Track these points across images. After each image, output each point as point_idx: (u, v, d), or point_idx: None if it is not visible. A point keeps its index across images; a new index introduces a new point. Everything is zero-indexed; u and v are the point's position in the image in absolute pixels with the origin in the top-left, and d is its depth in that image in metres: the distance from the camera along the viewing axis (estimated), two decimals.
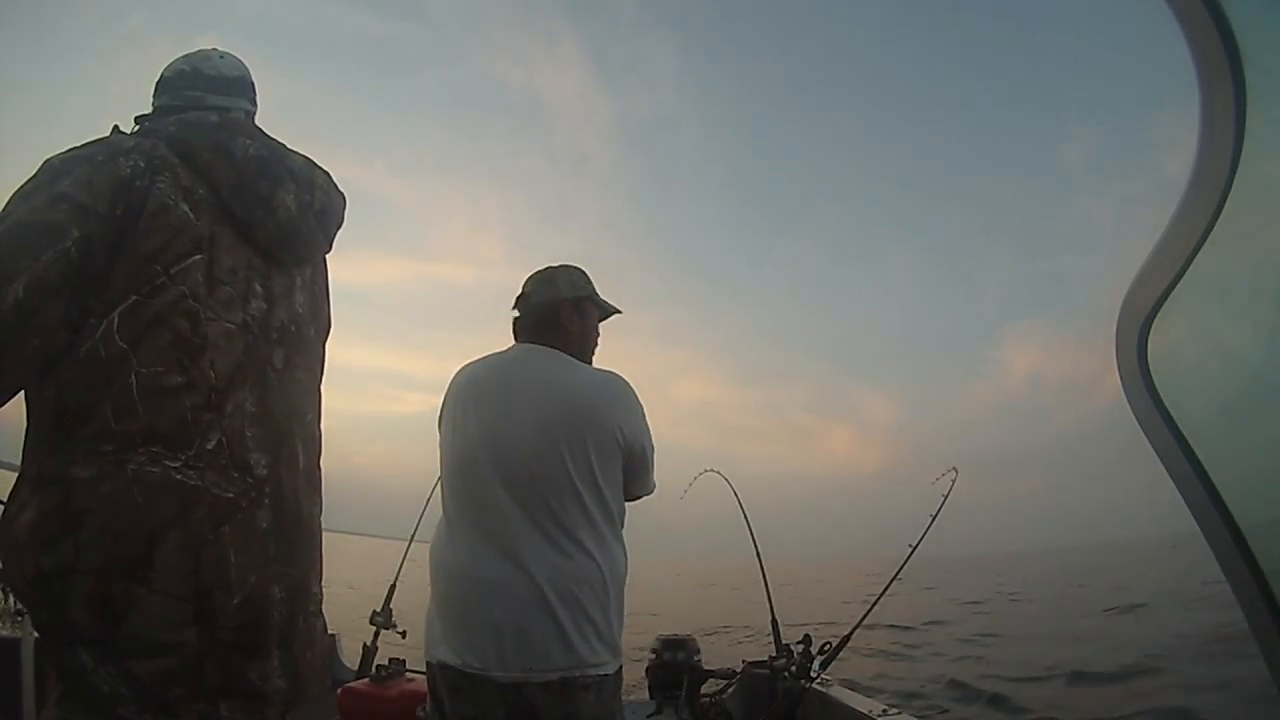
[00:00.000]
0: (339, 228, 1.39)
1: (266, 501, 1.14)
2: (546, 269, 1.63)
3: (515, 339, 1.59)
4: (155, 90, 1.31)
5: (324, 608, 1.30)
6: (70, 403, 1.03)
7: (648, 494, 1.58)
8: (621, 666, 1.41)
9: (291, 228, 1.23)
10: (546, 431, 1.38)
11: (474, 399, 1.48)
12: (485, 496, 1.37)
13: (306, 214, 1.26)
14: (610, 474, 1.43)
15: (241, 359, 1.14)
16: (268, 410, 1.17)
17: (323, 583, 1.31)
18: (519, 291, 1.61)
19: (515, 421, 1.40)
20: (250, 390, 1.15)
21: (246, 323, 1.16)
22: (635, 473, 1.50)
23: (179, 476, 1.04)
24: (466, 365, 1.57)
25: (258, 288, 1.20)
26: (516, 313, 1.59)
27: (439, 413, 1.55)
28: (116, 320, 1.04)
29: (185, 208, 1.11)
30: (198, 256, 1.11)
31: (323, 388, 1.37)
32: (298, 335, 1.27)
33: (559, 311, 1.56)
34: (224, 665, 1.08)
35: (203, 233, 1.13)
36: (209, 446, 1.08)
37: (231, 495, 1.09)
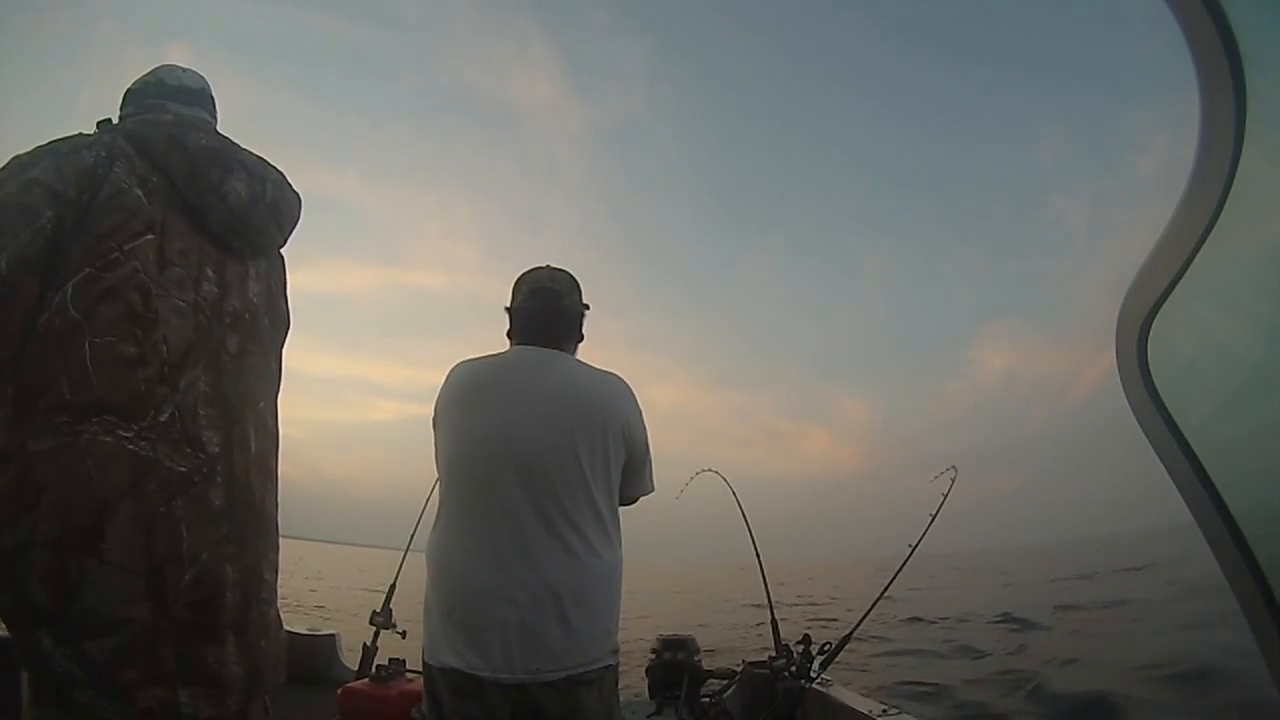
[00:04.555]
0: (294, 224, 1.43)
1: (219, 480, 1.15)
2: (561, 271, 1.61)
3: (522, 331, 1.55)
4: (122, 102, 1.36)
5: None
6: (28, 377, 1.05)
7: (646, 494, 1.59)
8: (619, 661, 1.42)
9: (243, 214, 1.27)
10: (564, 432, 1.38)
11: (484, 399, 1.44)
12: (497, 496, 1.35)
13: (258, 203, 1.30)
14: (618, 473, 1.46)
15: (193, 338, 1.17)
16: (220, 391, 1.19)
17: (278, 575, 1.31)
18: (536, 285, 1.57)
19: (532, 422, 1.39)
20: (203, 370, 1.17)
21: (198, 303, 1.19)
22: (636, 469, 1.52)
23: (131, 446, 1.06)
24: (466, 364, 1.53)
25: (210, 272, 1.23)
26: (533, 306, 1.54)
27: (434, 412, 1.51)
28: (70, 291, 1.07)
29: (139, 192, 1.16)
30: (149, 237, 1.15)
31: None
32: (252, 323, 1.29)
33: (581, 318, 1.60)
34: (179, 647, 1.08)
35: (155, 216, 1.17)
36: (162, 419, 1.10)
37: (184, 469, 1.11)
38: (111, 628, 1.02)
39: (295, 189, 1.41)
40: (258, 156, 1.35)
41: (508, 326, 1.59)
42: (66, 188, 1.09)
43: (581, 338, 1.61)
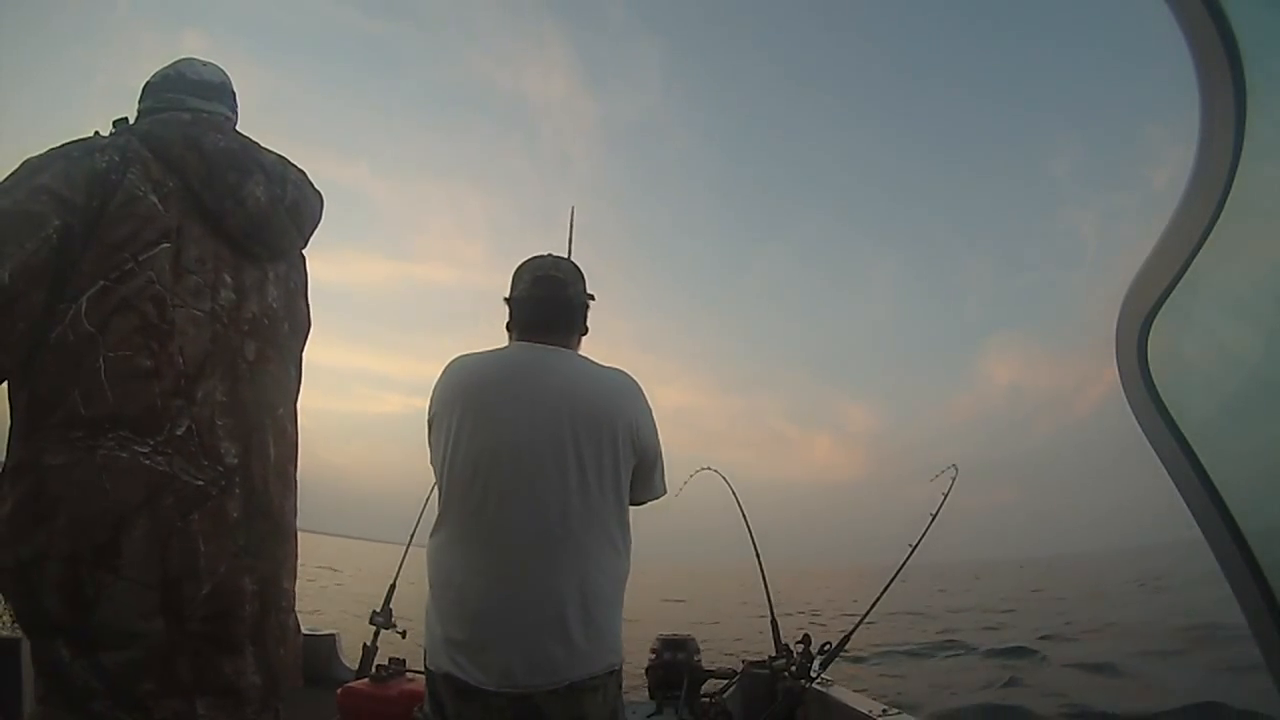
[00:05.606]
0: (315, 226, 1.40)
1: (237, 491, 1.14)
2: (565, 259, 1.53)
3: (523, 323, 1.46)
4: (140, 96, 1.34)
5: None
6: (42, 389, 1.04)
7: (656, 498, 1.51)
8: (622, 663, 1.39)
9: (261, 218, 1.25)
10: (567, 438, 1.31)
11: (482, 402, 1.36)
12: (497, 508, 1.30)
13: (277, 207, 1.28)
14: (627, 478, 1.38)
15: (210, 347, 1.15)
16: (238, 400, 1.18)
17: (296, 582, 1.30)
18: (539, 273, 1.47)
19: (533, 428, 1.31)
20: (220, 379, 1.16)
21: (215, 311, 1.18)
22: (646, 473, 1.44)
23: (147, 462, 1.05)
24: (462, 360, 1.44)
25: (227, 278, 1.21)
26: (535, 295, 1.45)
27: (429, 412, 1.43)
28: (85, 304, 1.06)
29: (154, 199, 1.14)
30: (165, 245, 1.13)
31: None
32: (270, 329, 1.27)
33: (585, 309, 1.50)
34: (196, 659, 1.08)
35: (170, 223, 1.15)
36: (179, 433, 1.09)
37: (201, 483, 1.10)
38: (127, 641, 1.03)
39: (316, 188, 1.37)
40: (277, 155, 1.32)
41: (507, 318, 1.49)
42: (75, 194, 1.07)
43: (586, 330, 1.51)
